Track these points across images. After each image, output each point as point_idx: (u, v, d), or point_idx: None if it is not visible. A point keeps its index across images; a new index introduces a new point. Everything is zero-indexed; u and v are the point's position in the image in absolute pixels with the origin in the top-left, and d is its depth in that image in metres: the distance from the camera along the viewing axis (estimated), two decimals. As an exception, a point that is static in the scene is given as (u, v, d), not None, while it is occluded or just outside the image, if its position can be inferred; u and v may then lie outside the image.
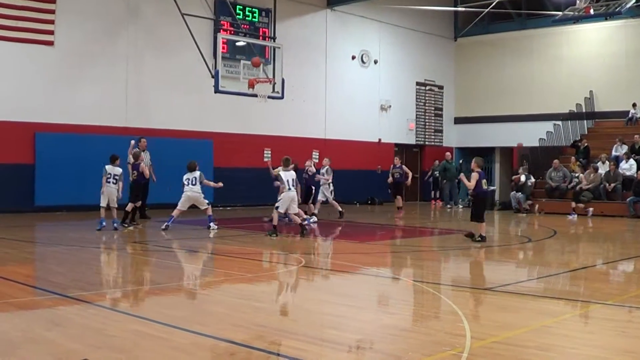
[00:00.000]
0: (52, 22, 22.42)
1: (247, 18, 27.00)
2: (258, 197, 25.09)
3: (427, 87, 35.42)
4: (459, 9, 33.82)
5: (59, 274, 10.77)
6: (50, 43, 22.46)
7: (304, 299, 9.54)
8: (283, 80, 23.32)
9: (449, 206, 29.75)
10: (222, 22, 25.95)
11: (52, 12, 22.39)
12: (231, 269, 12.32)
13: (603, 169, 27.16)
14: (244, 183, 25.83)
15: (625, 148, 28.14)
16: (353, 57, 31.61)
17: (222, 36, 23.20)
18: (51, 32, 22.45)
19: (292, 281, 11.04)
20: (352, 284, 10.88)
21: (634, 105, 30.98)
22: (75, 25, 22.99)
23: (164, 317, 7.69)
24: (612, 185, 26.20)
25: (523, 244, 17.11)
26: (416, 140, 34.92)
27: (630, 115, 31.18)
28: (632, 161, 26.99)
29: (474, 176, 15.24)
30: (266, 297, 9.56)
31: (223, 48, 23.36)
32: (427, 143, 35.43)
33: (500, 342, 6.84)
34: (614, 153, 28.30)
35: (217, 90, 22.09)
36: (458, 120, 36.81)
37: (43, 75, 22.36)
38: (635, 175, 26.16)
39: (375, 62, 32.54)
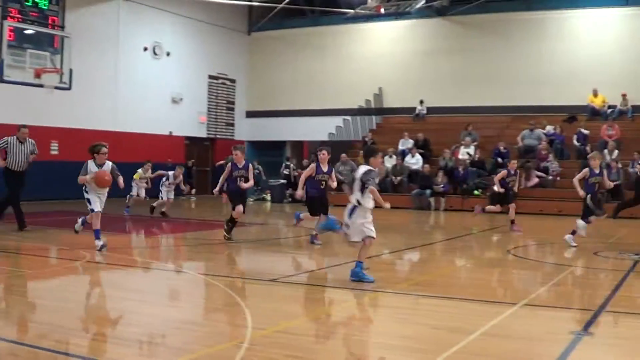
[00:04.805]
0: None
1: (37, 5, 26.04)
2: (42, 191, 24.18)
3: (220, 81, 35.62)
4: (254, 3, 34.23)
5: None
6: None
7: (88, 295, 9.50)
8: (71, 71, 22.83)
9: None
10: (9, 8, 24.90)
11: None
12: (10, 265, 11.79)
13: (390, 162, 28.46)
14: (27, 176, 24.90)
15: (411, 142, 29.59)
16: (145, 49, 31.26)
17: (8, 23, 22.41)
18: None
19: (77, 277, 10.90)
20: (138, 279, 10.97)
21: (422, 102, 32.68)
22: None
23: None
24: (399, 178, 27.53)
25: (309, 235, 17.62)
26: (207, 134, 35.05)
27: (417, 112, 32.84)
28: (418, 155, 28.48)
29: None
30: (49, 294, 9.33)
31: (10, 36, 22.53)
32: (218, 136, 35.63)
33: (281, 332, 7.16)
34: (400, 147, 29.68)
35: (1, 80, 21.33)
36: (250, 114, 37.23)
37: None
38: (420, 168, 27.61)
39: (168, 54, 32.34)
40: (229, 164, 14.89)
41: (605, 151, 26.00)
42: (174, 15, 32.59)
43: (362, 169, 10.10)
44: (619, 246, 14.92)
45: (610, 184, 15.55)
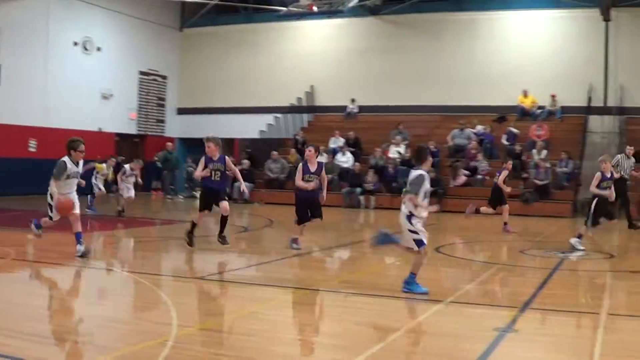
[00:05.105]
0: None
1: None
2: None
3: (151, 77, 35.22)
4: (186, -1, 33.98)
5: None
6: None
7: (12, 293, 9.21)
8: (-1, 66, 22.35)
9: (169, 197, 29.81)
10: None
11: None
12: None
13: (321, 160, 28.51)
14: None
15: (342, 141, 29.71)
16: (75, 44, 30.72)
17: None
18: None
19: (1, 275, 10.63)
20: (65, 277, 10.77)
21: (353, 100, 32.81)
22: None
23: None
24: (329, 176, 27.54)
25: (239, 233, 17.58)
26: (138, 130, 34.62)
27: (348, 110, 32.97)
28: (348, 154, 28.59)
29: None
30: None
31: None
32: (149, 133, 35.24)
33: (207, 329, 7.17)
34: (331, 145, 29.77)
35: None
36: (181, 111, 36.91)
37: None
38: (351, 167, 27.74)
39: (99, 49, 31.84)
40: (203, 157, 13.17)
41: (534, 151, 26.51)
42: (105, 10, 32.08)
43: (414, 173, 9.12)
44: (545, 244, 15.18)
45: (613, 196, 14.54)
